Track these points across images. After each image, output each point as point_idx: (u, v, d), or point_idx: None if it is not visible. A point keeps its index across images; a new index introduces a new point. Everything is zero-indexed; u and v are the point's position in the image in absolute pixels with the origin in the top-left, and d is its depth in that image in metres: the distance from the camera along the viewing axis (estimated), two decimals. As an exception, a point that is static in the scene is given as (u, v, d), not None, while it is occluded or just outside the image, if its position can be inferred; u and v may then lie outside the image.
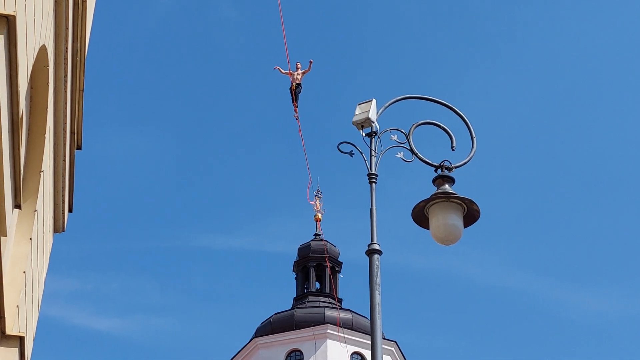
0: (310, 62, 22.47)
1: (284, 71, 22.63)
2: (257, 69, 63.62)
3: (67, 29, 9.29)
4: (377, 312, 9.10)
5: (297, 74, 22.55)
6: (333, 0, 66.94)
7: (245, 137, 65.83)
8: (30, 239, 9.49)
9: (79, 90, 11.04)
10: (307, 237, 37.65)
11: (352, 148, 9.74)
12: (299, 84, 22.54)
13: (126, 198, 67.71)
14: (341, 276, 36.26)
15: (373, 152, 9.72)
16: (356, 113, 9.82)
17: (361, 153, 9.70)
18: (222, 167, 65.80)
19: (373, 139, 9.75)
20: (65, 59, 9.61)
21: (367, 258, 9.28)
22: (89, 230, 63.95)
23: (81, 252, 64.70)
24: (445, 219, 9.37)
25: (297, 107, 22.43)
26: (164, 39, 68.56)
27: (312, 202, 33.40)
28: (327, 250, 35.19)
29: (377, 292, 9.13)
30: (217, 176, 65.77)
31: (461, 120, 10.10)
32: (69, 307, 61.31)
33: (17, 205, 7.48)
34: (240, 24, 67.19)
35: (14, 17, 5.85)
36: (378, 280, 9.21)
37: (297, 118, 22.40)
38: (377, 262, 9.27)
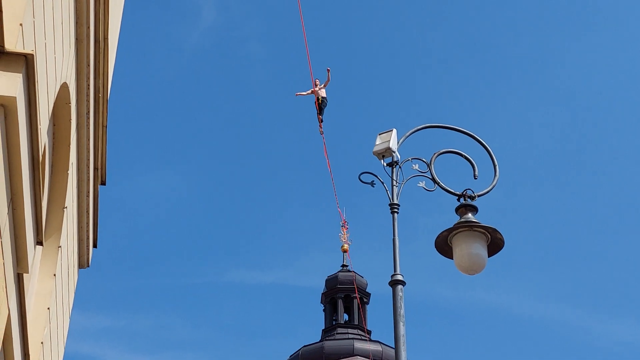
0: (328, 70, 22.29)
1: (305, 92, 22.56)
2: (284, 104, 63.98)
3: (89, 66, 9.40)
4: (402, 344, 9.02)
5: (319, 89, 22.43)
6: (354, 30, 67.24)
7: (271, 172, 66.05)
8: (55, 275, 9.53)
9: (102, 126, 11.14)
10: (334, 269, 37.55)
11: (374, 178, 9.73)
12: (324, 98, 22.38)
13: (155, 234, 68.08)
14: (364, 302, 35.92)
15: (394, 182, 9.69)
16: (377, 143, 9.81)
17: (382, 183, 9.68)
18: (249, 202, 65.98)
19: (394, 169, 9.73)
20: (88, 95, 9.71)
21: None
22: (119, 266, 64.27)
23: (112, 288, 64.99)
24: (469, 248, 9.30)
25: (322, 121, 22.22)
26: (189, 77, 69.17)
27: (344, 221, 33.14)
28: (355, 281, 35.02)
29: (401, 323, 9.05)
30: (244, 212, 65.98)
31: (483, 148, 10.06)
32: (101, 344, 61.45)
33: (40, 242, 7.51)
34: (267, 61, 67.64)
35: (33, 55, 5.93)
36: (402, 311, 9.14)
37: (322, 133, 22.17)
38: (400, 293, 9.21)
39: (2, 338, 7.05)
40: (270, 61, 67.91)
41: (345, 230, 34.89)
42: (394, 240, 9.50)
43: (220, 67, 67.81)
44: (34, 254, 8.73)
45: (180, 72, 68.84)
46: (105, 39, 10.09)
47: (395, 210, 9.65)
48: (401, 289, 9.21)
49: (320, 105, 22.32)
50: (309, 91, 22.56)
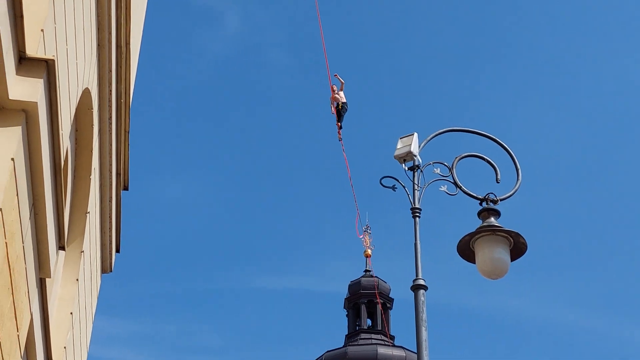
0: (336, 75, 22.18)
1: (333, 107, 22.37)
2: (306, 111, 64.02)
3: (111, 71, 9.44)
4: (424, 349, 8.98)
5: (337, 94, 22.28)
6: (375, 35, 67.18)
7: (294, 178, 66.11)
8: (77, 280, 9.58)
9: (125, 131, 11.18)
10: (357, 274, 37.46)
11: (395, 182, 9.70)
12: (344, 103, 22.22)
13: (178, 240, 68.30)
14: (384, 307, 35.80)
15: (416, 186, 9.65)
16: (398, 147, 9.78)
17: (404, 187, 9.64)
18: (272, 208, 66.06)
19: (416, 173, 9.69)
20: (110, 101, 9.75)
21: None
22: (143, 271, 64.56)
23: (137, 293, 65.31)
24: (492, 252, 9.24)
25: (340, 128, 22.09)
26: (212, 83, 69.41)
27: (361, 237, 33.11)
28: (377, 287, 34.92)
29: (423, 328, 9.01)
30: (267, 218, 66.07)
31: (505, 152, 9.99)
32: (128, 350, 61.75)
33: (62, 247, 7.55)
34: (289, 68, 67.76)
35: (54, 61, 5.95)
36: (424, 315, 9.10)
37: (340, 140, 22.05)
38: (422, 298, 9.17)
39: (25, 342, 7.09)
40: (292, 68, 68.03)
41: (367, 236, 34.85)
42: (415, 244, 9.47)
43: (242, 74, 68.01)
44: (57, 259, 8.78)
45: (203, 78, 69.12)
46: (127, 44, 10.13)
47: (417, 214, 9.61)
48: (423, 293, 9.16)
49: (340, 111, 22.19)
50: (332, 102, 22.38)
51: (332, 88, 22.26)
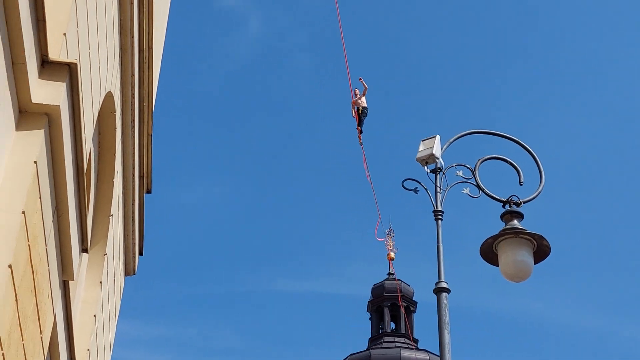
0: (360, 79, 22.10)
1: (354, 111, 22.34)
2: (328, 114, 64.04)
3: (133, 75, 9.49)
4: (447, 352, 8.94)
5: (359, 99, 22.24)
6: (396, 35, 67.06)
7: (316, 181, 66.13)
8: (101, 282, 9.63)
9: (148, 135, 11.24)
10: (380, 277, 37.41)
11: (417, 185, 9.66)
12: (364, 108, 22.18)
13: (202, 243, 68.52)
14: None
15: (438, 189, 9.61)
16: (420, 149, 9.75)
17: (426, 190, 9.61)
18: (294, 211, 66.15)
19: (438, 175, 9.66)
20: (132, 104, 9.80)
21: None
22: (167, 274, 64.83)
23: (161, 297, 65.56)
24: (515, 255, 9.18)
25: (361, 132, 22.03)
26: (235, 87, 69.63)
27: (382, 239, 33.01)
28: (400, 290, 34.84)
29: (446, 331, 8.98)
30: (290, 221, 66.14)
31: (528, 154, 9.93)
32: (151, 352, 62.01)
33: (84, 250, 7.60)
34: (312, 72, 67.80)
35: (76, 64, 6.00)
36: (447, 318, 9.07)
37: (361, 144, 21.98)
38: (445, 301, 9.13)
39: (49, 344, 7.14)
40: (313, 72, 68.05)
41: (390, 239, 34.76)
42: (438, 247, 9.43)
43: (263, 78, 68.14)
44: (80, 261, 8.84)
45: (225, 82, 69.31)
46: (150, 48, 10.19)
47: (439, 217, 9.57)
48: (446, 296, 9.13)
49: (360, 115, 22.15)
50: (353, 107, 22.31)
51: (355, 92, 22.23)
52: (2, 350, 5.38)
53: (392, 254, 35.30)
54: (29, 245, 5.74)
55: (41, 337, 6.52)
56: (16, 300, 5.61)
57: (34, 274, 6.00)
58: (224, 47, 69.03)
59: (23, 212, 5.54)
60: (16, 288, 5.55)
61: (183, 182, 66.78)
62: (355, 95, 22.20)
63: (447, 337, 8.93)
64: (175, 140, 63.86)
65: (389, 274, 36.82)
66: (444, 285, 9.14)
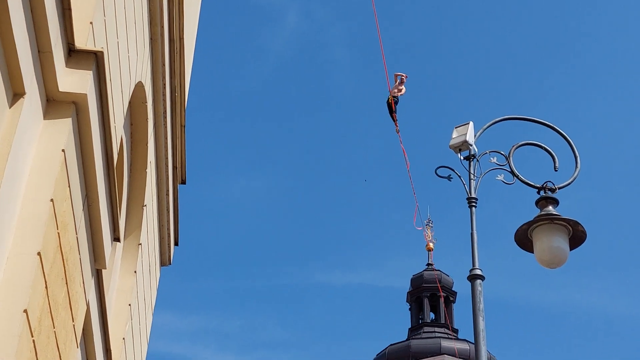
0: (395, 75, 21.84)
1: (392, 94, 21.97)
2: (366, 107, 63.87)
3: (164, 66, 9.51)
4: (482, 339, 8.87)
5: (399, 89, 21.88)
6: (431, 22, 66.63)
7: (355, 173, 66.04)
8: (135, 272, 9.68)
9: (181, 126, 11.26)
10: (419, 268, 37.26)
11: (450, 172, 9.57)
12: (395, 97, 21.84)
13: (241, 235, 68.92)
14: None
15: (472, 176, 9.51)
16: (453, 136, 9.65)
17: (460, 177, 9.52)
18: (334, 204, 66.14)
19: (471, 162, 9.55)
20: (164, 95, 9.82)
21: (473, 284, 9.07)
22: (206, 266, 65.26)
23: (202, 289, 66.04)
24: (550, 241, 9.07)
25: (396, 120, 21.71)
26: (272, 80, 69.70)
27: (420, 229, 32.81)
28: (439, 280, 34.66)
29: (480, 318, 8.90)
30: (329, 214, 66.20)
31: (564, 140, 9.78)
32: (194, 345, 62.55)
33: (117, 238, 7.63)
34: (350, 65, 67.63)
35: (102, 53, 6.01)
36: (481, 305, 8.99)
37: (398, 132, 21.66)
38: (479, 288, 9.05)
39: (82, 333, 7.19)
40: (352, 65, 67.90)
41: (429, 229, 34.59)
42: (472, 234, 9.35)
43: (302, 71, 68.14)
44: (115, 251, 8.89)
45: (264, 76, 69.46)
46: (181, 39, 10.20)
47: (473, 204, 9.47)
48: (480, 283, 9.05)
49: (392, 104, 21.86)
50: (394, 90, 22.01)
51: (402, 77, 21.62)
52: (32, 336, 5.42)
53: (430, 244, 35.17)
54: (58, 233, 5.77)
55: (73, 325, 6.56)
56: (46, 287, 5.64)
57: (65, 262, 6.04)
58: (262, 41, 69.17)
59: (51, 200, 5.57)
60: (46, 275, 5.59)
61: (223, 176, 67.13)
62: (396, 81, 21.81)
63: (481, 324, 8.86)
64: (216, 135, 64.20)
65: (428, 264, 36.67)
66: (478, 272, 9.06)
